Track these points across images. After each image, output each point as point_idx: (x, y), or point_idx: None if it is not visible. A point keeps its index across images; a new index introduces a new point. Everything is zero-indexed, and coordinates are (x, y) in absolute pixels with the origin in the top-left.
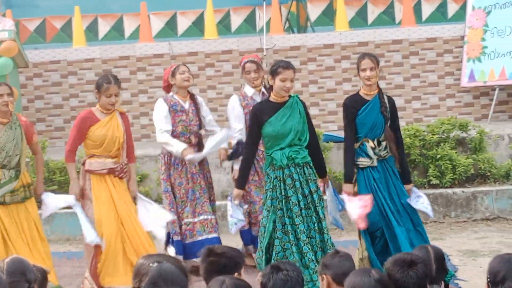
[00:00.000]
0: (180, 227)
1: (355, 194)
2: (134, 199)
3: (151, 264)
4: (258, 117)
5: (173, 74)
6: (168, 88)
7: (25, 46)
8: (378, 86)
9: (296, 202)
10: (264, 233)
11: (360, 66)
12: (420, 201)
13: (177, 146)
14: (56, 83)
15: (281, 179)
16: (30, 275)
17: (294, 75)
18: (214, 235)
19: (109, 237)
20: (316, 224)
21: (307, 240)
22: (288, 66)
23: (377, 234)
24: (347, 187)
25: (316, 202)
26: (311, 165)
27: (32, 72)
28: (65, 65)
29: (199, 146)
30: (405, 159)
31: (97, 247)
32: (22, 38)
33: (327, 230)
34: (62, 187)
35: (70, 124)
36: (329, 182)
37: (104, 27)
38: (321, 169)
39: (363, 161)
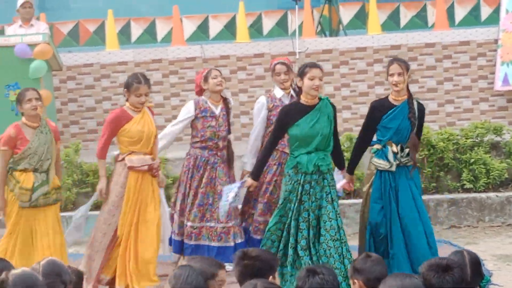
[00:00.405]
0: (184, 227)
1: (368, 195)
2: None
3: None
4: (284, 119)
5: (206, 79)
6: (200, 92)
7: (59, 49)
8: (408, 91)
9: (308, 208)
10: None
11: (388, 71)
12: None
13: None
14: (89, 86)
15: (301, 184)
16: (65, 277)
17: (322, 74)
18: (216, 244)
19: (124, 235)
20: (328, 233)
21: (306, 246)
22: (314, 65)
23: (381, 241)
24: (348, 177)
25: (329, 212)
26: (332, 172)
27: (65, 75)
28: (98, 68)
29: (227, 151)
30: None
31: (112, 241)
32: (56, 41)
33: (343, 238)
34: (94, 189)
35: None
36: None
37: (136, 30)
38: (340, 163)
39: (381, 164)
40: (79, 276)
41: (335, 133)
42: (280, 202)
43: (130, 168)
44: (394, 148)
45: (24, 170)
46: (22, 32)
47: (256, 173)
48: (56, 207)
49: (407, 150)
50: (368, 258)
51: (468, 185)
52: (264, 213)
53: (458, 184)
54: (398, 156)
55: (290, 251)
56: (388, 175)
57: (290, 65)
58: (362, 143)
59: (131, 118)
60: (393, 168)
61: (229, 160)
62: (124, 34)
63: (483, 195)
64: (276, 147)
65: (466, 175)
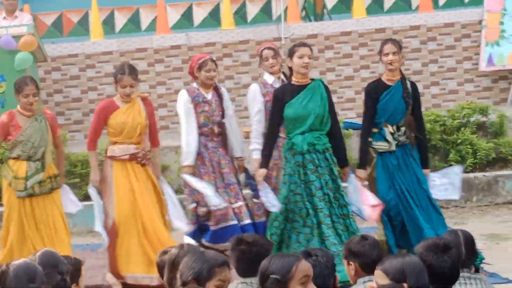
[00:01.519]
0: (209, 213)
1: (373, 179)
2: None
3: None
4: (279, 99)
5: (199, 68)
6: (194, 74)
7: (43, 40)
8: (401, 71)
9: (320, 186)
10: (276, 217)
11: (383, 51)
12: (441, 188)
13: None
14: (74, 76)
15: (301, 165)
16: (62, 267)
17: (311, 52)
18: (248, 221)
19: (124, 224)
20: (337, 210)
21: (331, 224)
22: (303, 43)
23: (397, 219)
24: (360, 172)
25: (339, 188)
26: (331, 151)
27: (50, 66)
28: (83, 58)
29: (222, 136)
30: (426, 145)
31: (113, 233)
32: (39, 32)
33: (351, 215)
34: (84, 180)
35: (89, 117)
36: (350, 173)
37: (120, 20)
38: (342, 159)
39: (381, 146)
40: (77, 265)
41: (335, 120)
42: (281, 186)
43: (110, 157)
44: (391, 129)
45: (17, 158)
46: (6, 24)
47: (264, 160)
48: (54, 197)
49: (403, 129)
50: (365, 241)
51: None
52: None
53: (445, 165)
54: (396, 135)
55: (315, 232)
56: (388, 156)
57: (277, 49)
58: (368, 126)
59: (117, 108)
60: (393, 148)
61: (226, 145)
62: (108, 24)
63: (471, 175)
64: None
65: (453, 155)
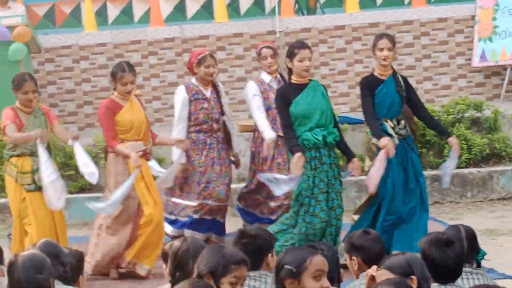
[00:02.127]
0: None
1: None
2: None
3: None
4: (285, 97)
5: (199, 64)
6: (192, 69)
7: (35, 31)
8: (392, 66)
9: (317, 184)
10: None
11: (377, 45)
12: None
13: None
14: (68, 68)
15: (316, 157)
16: (64, 258)
17: (311, 54)
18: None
19: (151, 219)
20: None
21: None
22: (303, 45)
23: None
24: (384, 140)
25: (336, 190)
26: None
27: (44, 57)
28: (76, 49)
29: (224, 132)
30: (434, 120)
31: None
32: (31, 23)
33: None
34: (79, 172)
35: (82, 109)
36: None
37: (113, 12)
38: (349, 151)
39: None
40: (79, 257)
41: (333, 115)
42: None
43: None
44: (391, 123)
45: (21, 154)
46: (0, 14)
47: (297, 146)
48: None
49: (403, 122)
50: (367, 235)
51: None
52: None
53: (440, 160)
54: (396, 129)
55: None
56: None
57: (276, 49)
58: (371, 111)
59: (121, 107)
60: (396, 141)
61: (228, 141)
62: (100, 16)
63: (465, 170)
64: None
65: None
